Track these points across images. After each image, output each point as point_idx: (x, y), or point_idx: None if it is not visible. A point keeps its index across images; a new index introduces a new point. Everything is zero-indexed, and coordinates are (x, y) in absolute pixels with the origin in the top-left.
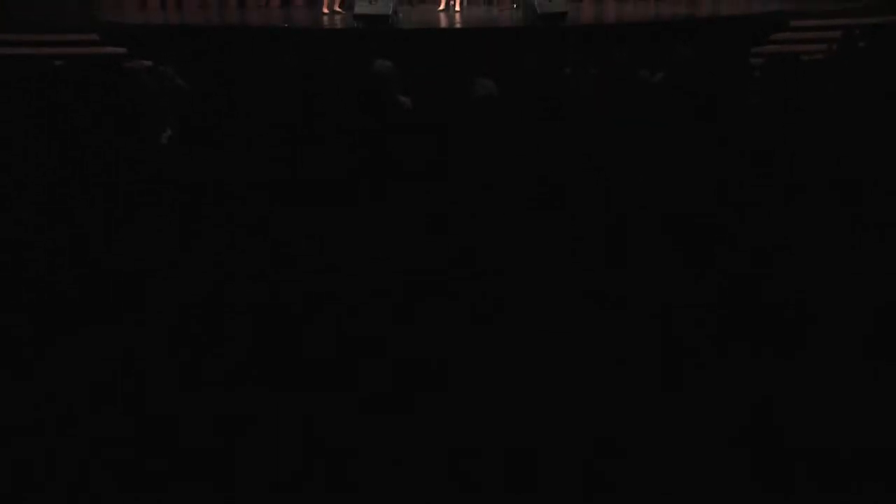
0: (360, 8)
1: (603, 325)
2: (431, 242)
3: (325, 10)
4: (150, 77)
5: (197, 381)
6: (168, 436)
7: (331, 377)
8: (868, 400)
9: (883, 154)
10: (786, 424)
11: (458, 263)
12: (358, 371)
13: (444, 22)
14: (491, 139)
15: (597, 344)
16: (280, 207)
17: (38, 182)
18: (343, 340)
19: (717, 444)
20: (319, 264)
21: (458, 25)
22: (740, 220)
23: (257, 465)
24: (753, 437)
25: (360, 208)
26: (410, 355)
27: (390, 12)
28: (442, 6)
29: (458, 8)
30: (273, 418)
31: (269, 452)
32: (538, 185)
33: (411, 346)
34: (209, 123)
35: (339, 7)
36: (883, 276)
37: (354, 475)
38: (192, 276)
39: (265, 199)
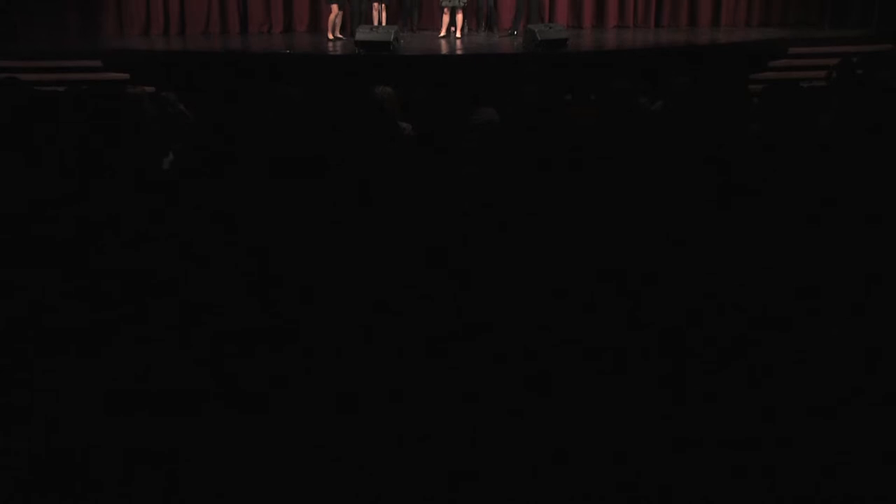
0: (362, 34)
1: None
2: (430, 266)
3: (330, 36)
4: (152, 103)
5: None
6: None
7: None
8: None
9: (883, 182)
10: None
11: (455, 288)
12: None
13: (445, 48)
14: (491, 165)
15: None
16: (279, 232)
17: (38, 205)
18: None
19: None
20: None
21: (459, 52)
22: (740, 248)
23: None
24: None
25: (358, 230)
26: None
27: (391, 39)
28: (443, 33)
29: (458, 35)
30: None
31: None
32: (540, 210)
33: None
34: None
35: (341, 33)
36: (880, 303)
37: None
38: (196, 301)
39: (266, 223)
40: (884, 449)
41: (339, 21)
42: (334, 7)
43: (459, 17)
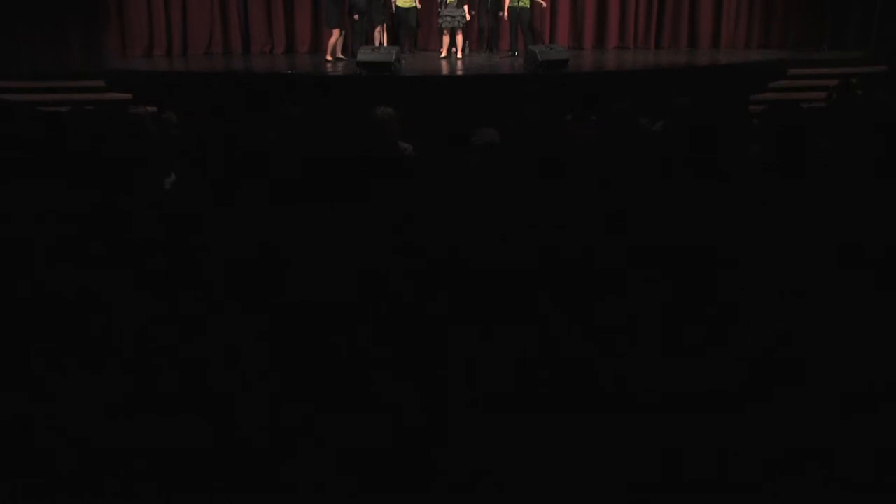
0: (363, 55)
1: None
2: (429, 291)
3: (329, 58)
4: (154, 123)
5: None
6: None
7: None
8: None
9: (882, 204)
10: None
11: (457, 313)
12: None
13: (446, 69)
14: (492, 186)
15: None
16: (279, 255)
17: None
18: None
19: None
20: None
21: (459, 73)
22: (739, 269)
23: None
24: None
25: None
26: None
27: (393, 60)
28: (444, 53)
29: (459, 55)
30: None
31: None
32: (540, 233)
33: None
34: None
35: (342, 54)
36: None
37: None
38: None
39: (265, 245)
40: None
41: (340, 42)
42: (336, 29)
43: (460, 38)
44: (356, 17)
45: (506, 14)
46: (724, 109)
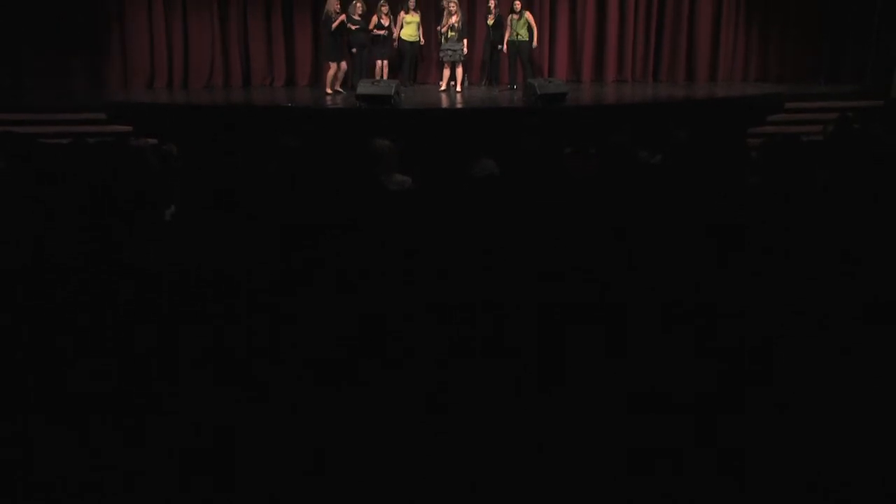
0: (363, 88)
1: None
2: (429, 322)
3: (329, 91)
4: (155, 155)
5: None
6: None
7: None
8: None
9: (880, 232)
10: None
11: (457, 349)
12: None
13: (445, 102)
14: (491, 218)
15: None
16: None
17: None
18: None
19: None
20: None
21: (459, 105)
22: (739, 300)
23: None
24: None
25: (357, 289)
26: None
27: (392, 92)
28: (443, 87)
29: (459, 88)
30: None
31: None
32: (539, 266)
33: None
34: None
35: (342, 87)
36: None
37: None
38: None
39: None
40: None
41: (340, 75)
42: (333, 63)
43: (459, 71)
44: (354, 50)
45: (505, 47)
46: (722, 142)
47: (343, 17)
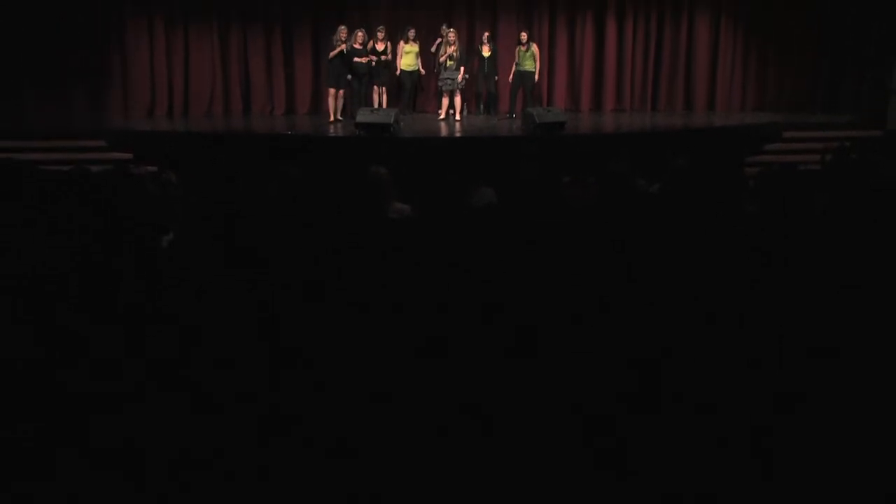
0: (362, 116)
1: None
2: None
3: (331, 119)
4: (154, 183)
5: None
6: None
7: None
8: None
9: (877, 264)
10: None
11: (453, 387)
12: None
13: (444, 131)
14: (491, 247)
15: None
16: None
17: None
18: None
19: None
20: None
21: (458, 134)
22: (740, 328)
23: None
24: None
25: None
26: None
27: (392, 121)
28: (442, 115)
29: (458, 117)
30: None
31: None
32: (538, 295)
33: None
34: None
35: (342, 115)
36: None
37: None
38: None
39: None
40: None
41: (339, 104)
42: (332, 90)
43: (458, 100)
44: (350, 77)
45: (510, 77)
46: (720, 171)
47: (343, 47)
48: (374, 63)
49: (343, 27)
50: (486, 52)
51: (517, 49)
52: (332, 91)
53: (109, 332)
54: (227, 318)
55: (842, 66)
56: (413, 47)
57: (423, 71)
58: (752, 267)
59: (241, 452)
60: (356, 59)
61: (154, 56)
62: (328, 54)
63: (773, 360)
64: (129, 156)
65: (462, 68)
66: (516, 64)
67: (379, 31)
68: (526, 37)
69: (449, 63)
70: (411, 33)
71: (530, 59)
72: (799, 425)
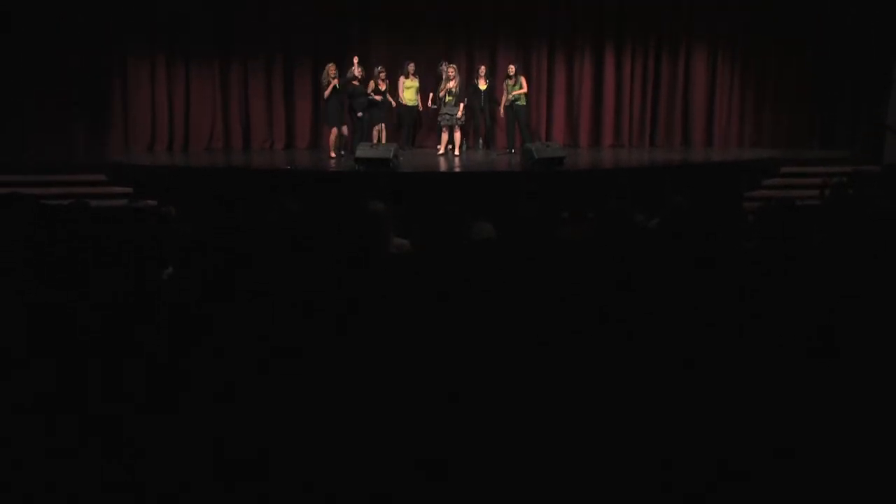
0: (362, 151)
1: None
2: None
3: (332, 155)
4: (154, 217)
5: None
6: None
7: None
8: None
9: (875, 299)
10: None
11: (462, 432)
12: None
13: (443, 166)
14: (490, 282)
15: None
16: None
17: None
18: None
19: None
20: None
21: (457, 169)
22: (741, 365)
23: None
24: None
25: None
26: None
27: (391, 156)
28: (441, 150)
29: (457, 152)
30: None
31: None
32: (539, 332)
33: None
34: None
35: (342, 151)
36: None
37: None
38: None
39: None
40: None
41: (341, 140)
42: (334, 128)
43: (458, 135)
44: (360, 114)
45: (502, 111)
46: (719, 207)
47: (335, 83)
48: (374, 98)
49: (331, 65)
50: (482, 86)
51: (505, 83)
52: (334, 130)
53: (110, 366)
54: (226, 351)
55: (837, 101)
56: (413, 82)
57: (422, 106)
58: (751, 303)
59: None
60: (354, 85)
61: (155, 91)
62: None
63: (772, 396)
64: (129, 190)
65: (462, 104)
66: (507, 98)
67: (380, 71)
68: (514, 69)
69: (448, 98)
70: (411, 68)
71: (518, 90)
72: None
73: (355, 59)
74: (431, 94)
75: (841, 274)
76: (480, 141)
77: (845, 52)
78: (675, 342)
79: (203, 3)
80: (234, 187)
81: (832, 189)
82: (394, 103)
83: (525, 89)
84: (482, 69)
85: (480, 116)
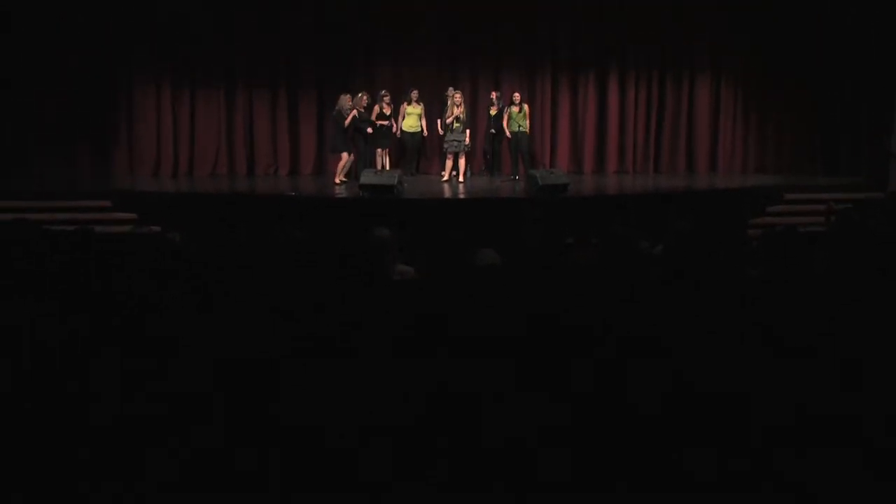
0: (366, 178)
1: None
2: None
3: (338, 181)
4: (158, 243)
5: None
6: None
7: None
8: None
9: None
10: None
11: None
12: None
13: (447, 192)
14: (494, 308)
15: None
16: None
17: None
18: None
19: None
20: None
21: (461, 196)
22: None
23: None
24: None
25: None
26: None
27: (395, 182)
28: (446, 177)
29: (461, 179)
30: None
31: None
32: (541, 359)
33: None
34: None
35: (346, 177)
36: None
37: None
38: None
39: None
40: None
41: (348, 166)
42: (345, 154)
43: (462, 162)
44: (367, 137)
45: (508, 136)
46: (723, 233)
47: (355, 112)
48: (377, 126)
49: (347, 95)
50: (493, 112)
51: (510, 110)
52: (344, 156)
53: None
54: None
55: (841, 128)
56: (416, 108)
57: (426, 132)
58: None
59: None
60: (361, 122)
61: (160, 116)
62: (332, 120)
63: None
64: (133, 216)
65: (468, 130)
66: (511, 125)
67: (384, 95)
68: (519, 97)
69: (455, 125)
70: (414, 94)
71: (523, 119)
72: None
73: (364, 97)
74: (439, 121)
75: (846, 301)
76: (485, 167)
77: (849, 79)
78: (678, 366)
79: (208, 29)
80: (239, 213)
81: (837, 216)
82: (398, 131)
83: (528, 117)
84: (494, 95)
85: (490, 142)
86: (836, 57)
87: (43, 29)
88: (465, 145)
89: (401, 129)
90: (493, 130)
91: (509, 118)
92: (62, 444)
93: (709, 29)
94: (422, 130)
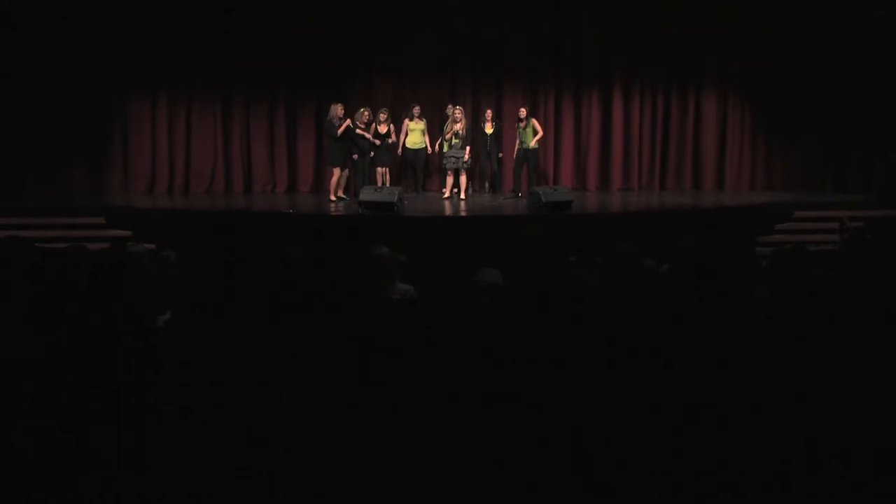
0: (366, 195)
1: None
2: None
3: (332, 198)
4: (152, 261)
5: None
6: None
7: None
8: None
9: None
10: None
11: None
12: None
13: (448, 210)
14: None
15: None
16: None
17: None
18: None
19: None
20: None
21: (462, 213)
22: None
23: None
24: None
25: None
26: None
27: (395, 199)
28: (447, 194)
29: (462, 196)
30: None
31: None
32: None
33: None
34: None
35: (344, 194)
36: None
37: None
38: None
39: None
40: None
41: (342, 182)
42: (337, 169)
43: (463, 179)
44: (355, 156)
45: (513, 154)
46: (730, 252)
47: (348, 122)
48: (377, 144)
49: (339, 105)
50: (488, 130)
51: (517, 127)
52: (336, 171)
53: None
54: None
55: (851, 144)
56: (419, 124)
57: (429, 149)
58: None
59: None
60: (359, 133)
61: (156, 133)
62: (325, 131)
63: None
64: (127, 233)
65: (468, 147)
66: (519, 142)
67: (382, 112)
68: (525, 113)
69: (455, 141)
70: (416, 111)
71: (531, 135)
72: None
73: (366, 113)
74: (439, 139)
75: (859, 323)
76: (487, 185)
77: (858, 94)
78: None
79: (205, 45)
80: (235, 231)
81: (849, 234)
82: (400, 148)
83: (541, 133)
84: (488, 113)
85: (487, 160)
86: (845, 72)
87: (37, 44)
88: (465, 162)
89: (403, 145)
90: (488, 149)
91: (518, 135)
92: None
93: (715, 43)
94: (426, 147)
